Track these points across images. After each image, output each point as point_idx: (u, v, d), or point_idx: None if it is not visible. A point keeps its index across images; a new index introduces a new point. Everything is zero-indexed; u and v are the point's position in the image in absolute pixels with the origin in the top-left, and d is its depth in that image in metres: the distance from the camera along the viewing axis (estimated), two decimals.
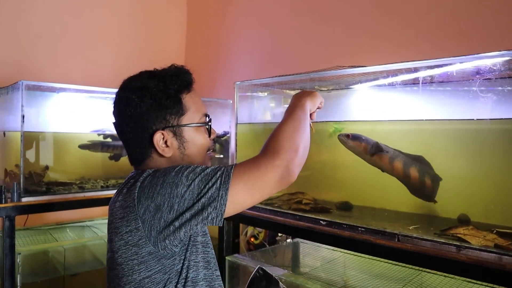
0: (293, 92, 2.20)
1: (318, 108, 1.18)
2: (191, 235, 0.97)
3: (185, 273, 0.95)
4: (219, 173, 0.89)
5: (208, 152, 1.09)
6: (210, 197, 0.86)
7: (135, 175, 0.96)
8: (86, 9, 2.87)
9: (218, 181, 0.87)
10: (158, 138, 0.98)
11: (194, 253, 0.98)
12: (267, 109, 2.25)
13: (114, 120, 1.04)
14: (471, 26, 1.69)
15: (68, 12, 2.78)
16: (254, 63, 2.73)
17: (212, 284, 1.02)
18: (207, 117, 1.07)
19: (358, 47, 2.09)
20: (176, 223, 0.86)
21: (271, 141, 0.95)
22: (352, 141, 1.55)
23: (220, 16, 3.05)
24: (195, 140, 1.03)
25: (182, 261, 0.95)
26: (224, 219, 0.89)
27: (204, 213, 0.86)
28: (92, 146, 2.46)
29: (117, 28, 3.05)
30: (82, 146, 2.43)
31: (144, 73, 1.03)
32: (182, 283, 0.94)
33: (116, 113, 1.03)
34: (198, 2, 3.32)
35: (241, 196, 0.88)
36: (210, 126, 1.07)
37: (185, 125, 1.01)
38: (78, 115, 2.41)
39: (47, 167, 2.26)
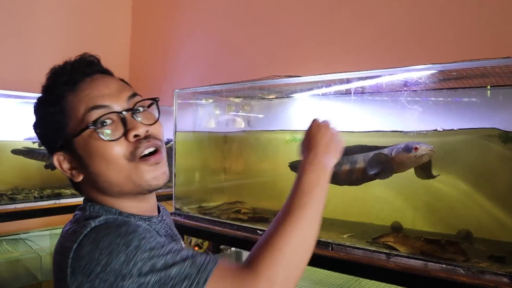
0: (237, 100, 2.19)
1: None
2: None
3: None
4: (186, 282, 0.63)
5: (142, 159, 0.76)
6: None
7: (80, 217, 0.75)
8: (24, 10, 2.73)
9: None
10: (56, 161, 0.78)
11: None
12: (211, 117, 2.23)
13: None
14: (408, 39, 1.74)
15: (3, 12, 2.63)
16: (200, 70, 2.70)
17: None
18: (101, 110, 0.74)
19: (302, 56, 2.12)
20: None
21: (264, 253, 0.68)
22: None
23: (165, 23, 2.99)
24: (91, 153, 0.74)
25: None
26: None
27: None
28: (27, 153, 2.34)
29: (57, 31, 2.92)
30: (16, 151, 2.32)
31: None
32: None
33: None
34: (143, 7, 3.25)
35: None
36: (102, 122, 0.74)
37: (69, 137, 0.75)
38: (10, 122, 2.29)
39: None
